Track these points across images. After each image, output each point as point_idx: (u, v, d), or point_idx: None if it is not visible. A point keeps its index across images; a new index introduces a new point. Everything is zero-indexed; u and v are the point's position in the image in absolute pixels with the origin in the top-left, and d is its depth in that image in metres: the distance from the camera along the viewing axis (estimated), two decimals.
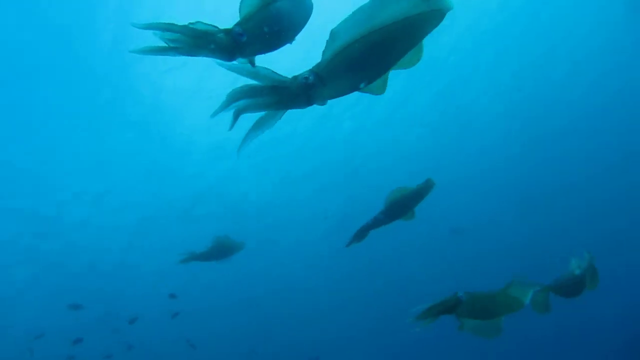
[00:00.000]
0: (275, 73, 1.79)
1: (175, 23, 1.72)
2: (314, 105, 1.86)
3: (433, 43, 13.82)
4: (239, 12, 1.87)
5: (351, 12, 1.76)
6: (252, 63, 1.92)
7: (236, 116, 1.77)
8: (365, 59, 1.74)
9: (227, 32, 1.81)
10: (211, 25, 1.81)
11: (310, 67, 1.79)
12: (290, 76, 1.80)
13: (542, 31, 15.82)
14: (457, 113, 17.83)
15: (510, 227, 21.04)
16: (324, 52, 1.76)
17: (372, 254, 19.63)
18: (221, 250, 7.21)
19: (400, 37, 1.74)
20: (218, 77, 13.91)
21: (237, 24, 1.85)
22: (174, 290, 14.13)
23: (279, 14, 1.89)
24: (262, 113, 1.82)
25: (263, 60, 1.79)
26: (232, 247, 7.24)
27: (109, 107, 14.65)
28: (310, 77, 1.74)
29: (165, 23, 1.70)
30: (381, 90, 1.98)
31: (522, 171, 20.35)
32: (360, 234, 4.44)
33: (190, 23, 1.76)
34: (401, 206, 4.33)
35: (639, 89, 17.95)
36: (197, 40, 1.75)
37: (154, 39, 1.73)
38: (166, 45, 1.72)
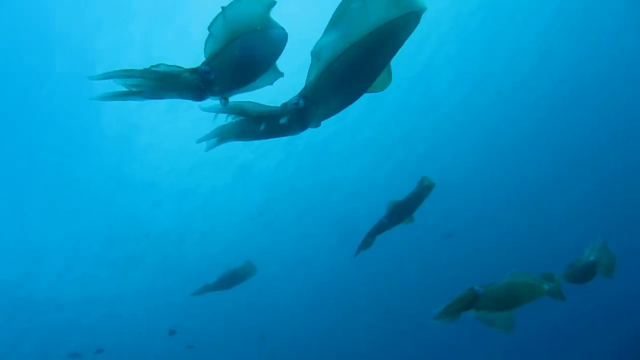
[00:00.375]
0: (262, 105, 1.72)
1: (134, 68, 1.61)
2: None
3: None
4: (204, 50, 1.76)
5: (325, 29, 1.71)
6: (226, 101, 1.81)
7: (221, 143, 1.71)
8: (350, 73, 1.70)
9: (193, 71, 1.71)
10: (175, 65, 1.70)
11: (298, 92, 1.73)
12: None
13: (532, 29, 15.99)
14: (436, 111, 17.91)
15: (504, 226, 21.03)
16: (308, 73, 1.71)
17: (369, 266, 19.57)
18: (234, 277, 7.00)
19: (380, 45, 1.69)
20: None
21: (204, 62, 1.75)
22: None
23: (246, 48, 1.79)
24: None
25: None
26: (244, 273, 7.04)
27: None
28: (301, 102, 1.70)
29: (123, 70, 1.59)
30: (386, 83, 1.91)
31: (512, 169, 20.45)
32: (367, 241, 4.37)
33: (152, 65, 1.65)
34: (404, 208, 4.29)
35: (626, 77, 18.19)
36: (161, 83, 1.65)
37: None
38: (128, 90, 1.61)
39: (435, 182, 4.33)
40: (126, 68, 1.60)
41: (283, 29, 1.93)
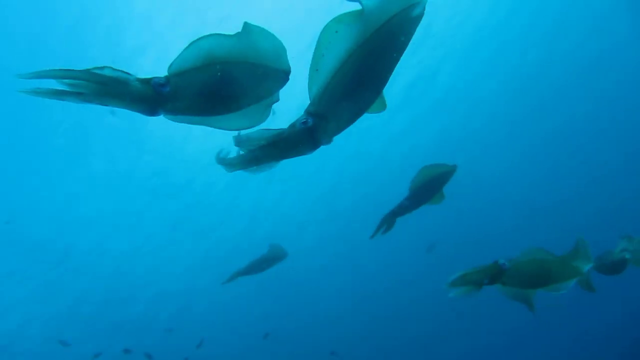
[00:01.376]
0: (268, 130, 1.65)
1: (74, 69, 1.42)
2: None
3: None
4: (174, 61, 1.58)
5: (320, 38, 1.59)
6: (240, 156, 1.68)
7: (235, 170, 1.65)
8: (359, 79, 1.61)
9: (144, 81, 1.54)
10: (122, 71, 1.51)
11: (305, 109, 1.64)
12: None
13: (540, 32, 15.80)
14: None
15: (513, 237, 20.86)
16: (309, 88, 1.60)
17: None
18: (264, 262, 6.95)
19: (386, 45, 1.61)
20: None
21: (167, 75, 1.57)
22: None
23: (226, 79, 1.62)
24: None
25: None
26: (274, 257, 6.97)
27: None
28: (309, 120, 1.61)
29: (60, 69, 1.40)
30: (381, 107, 1.85)
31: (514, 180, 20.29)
32: (386, 223, 4.19)
33: (97, 67, 1.46)
34: (427, 189, 4.13)
35: None
36: (104, 88, 1.46)
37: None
38: (66, 89, 1.42)
39: (456, 165, 4.18)
40: (63, 67, 1.41)
41: (285, 71, 1.76)
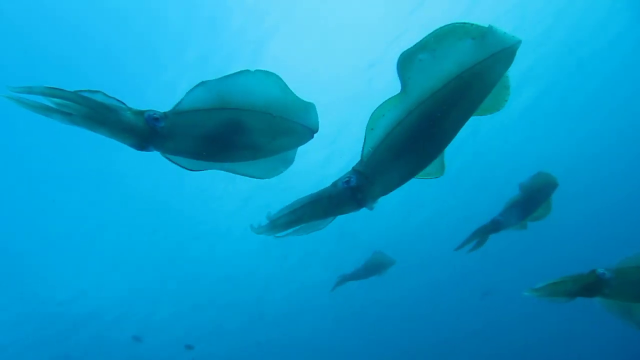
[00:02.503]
0: (310, 195, 1.56)
1: (64, 89, 1.36)
2: None
3: None
4: (181, 99, 1.49)
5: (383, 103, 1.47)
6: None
7: (275, 232, 1.56)
8: (415, 140, 1.49)
9: (137, 112, 1.46)
10: (115, 99, 1.44)
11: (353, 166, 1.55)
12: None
13: None
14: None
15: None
16: (363, 145, 1.51)
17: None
18: (373, 267, 7.01)
19: (457, 98, 1.48)
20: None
21: (166, 111, 1.49)
22: None
23: (237, 127, 1.53)
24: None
25: None
26: (383, 263, 7.01)
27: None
28: (352, 179, 1.52)
29: (50, 88, 1.34)
30: (439, 171, 1.70)
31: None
32: (477, 238, 3.89)
33: (88, 90, 1.39)
34: (523, 207, 3.86)
35: None
36: (94, 113, 1.39)
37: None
38: (53, 107, 1.36)
39: (558, 181, 3.87)
40: (54, 86, 1.36)
41: (312, 129, 1.66)
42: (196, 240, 16.13)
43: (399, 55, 1.44)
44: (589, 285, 2.32)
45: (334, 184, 1.55)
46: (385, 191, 1.57)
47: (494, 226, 3.86)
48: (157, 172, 12.93)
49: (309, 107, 1.65)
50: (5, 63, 10.21)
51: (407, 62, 1.43)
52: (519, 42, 1.49)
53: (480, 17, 10.66)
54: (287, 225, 1.54)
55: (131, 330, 16.45)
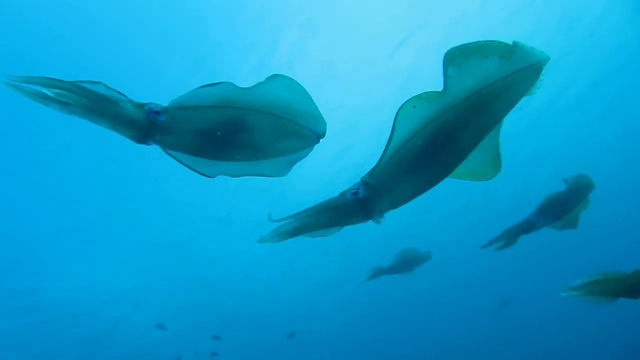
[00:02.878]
0: (318, 204, 1.53)
1: (63, 79, 1.34)
2: None
3: None
4: (182, 95, 1.48)
5: (398, 113, 1.43)
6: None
7: (281, 240, 1.52)
8: (429, 154, 1.45)
9: (138, 105, 1.44)
10: (116, 91, 1.41)
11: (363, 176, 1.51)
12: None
13: None
14: None
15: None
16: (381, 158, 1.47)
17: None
18: (407, 262, 6.94)
19: (476, 113, 1.43)
20: None
21: (167, 105, 1.47)
22: None
23: (240, 125, 1.51)
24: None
25: None
26: (418, 258, 6.97)
27: None
28: (360, 191, 1.48)
29: (48, 78, 1.32)
30: (493, 170, 1.60)
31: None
32: (507, 238, 3.74)
33: (89, 81, 1.37)
34: (558, 207, 3.74)
35: None
36: (94, 104, 1.37)
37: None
38: (52, 96, 1.34)
39: (595, 183, 3.76)
40: (53, 77, 1.33)
41: (318, 134, 1.65)
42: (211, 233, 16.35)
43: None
44: (634, 286, 2.26)
45: (342, 194, 1.52)
46: (394, 205, 1.53)
47: (528, 226, 3.73)
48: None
49: (318, 113, 1.64)
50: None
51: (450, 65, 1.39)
52: (547, 59, 1.45)
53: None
54: (291, 233, 1.50)
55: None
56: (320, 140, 1.69)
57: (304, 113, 1.61)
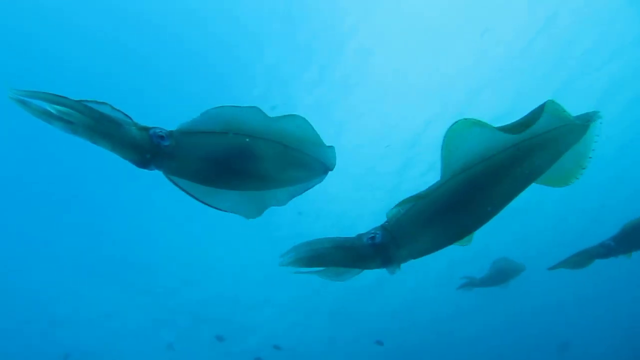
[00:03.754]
0: (335, 238, 1.47)
1: (68, 97, 1.30)
2: None
3: None
4: (189, 120, 1.42)
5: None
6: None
7: (302, 265, 1.46)
8: (456, 207, 1.36)
9: (142, 128, 1.39)
10: (121, 112, 1.37)
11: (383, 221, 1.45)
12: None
13: None
14: None
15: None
16: (401, 202, 1.40)
17: None
18: (502, 274, 6.78)
19: (510, 168, 1.35)
20: None
21: (173, 130, 1.41)
22: None
23: (246, 153, 1.45)
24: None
25: None
26: (512, 270, 6.80)
27: None
28: (378, 236, 1.41)
29: (54, 95, 1.29)
30: (466, 241, 1.51)
31: None
32: (579, 260, 3.50)
33: (94, 101, 1.32)
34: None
35: None
36: (96, 124, 1.32)
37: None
38: (55, 114, 1.30)
39: None
40: (58, 94, 1.30)
41: (327, 166, 1.61)
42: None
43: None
44: None
45: (359, 237, 1.44)
46: (412, 256, 1.44)
47: (605, 251, 3.42)
48: None
49: (328, 146, 1.60)
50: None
51: (462, 129, 1.32)
52: (587, 123, 1.39)
53: None
54: (307, 262, 1.42)
55: None
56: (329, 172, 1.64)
57: (313, 144, 1.56)
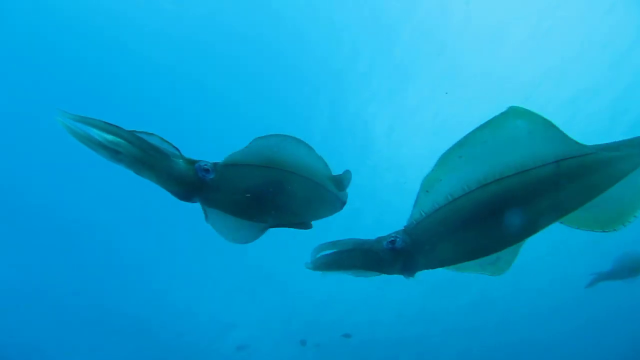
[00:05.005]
0: (357, 239, 1.45)
1: (121, 127, 1.30)
2: None
3: None
4: (234, 152, 1.46)
5: (443, 159, 1.27)
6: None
7: (326, 268, 1.44)
8: (482, 220, 1.27)
9: (189, 161, 1.41)
10: (170, 144, 1.38)
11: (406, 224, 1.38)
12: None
13: None
14: None
15: None
16: (415, 203, 1.33)
17: None
18: (630, 267, 6.42)
19: (548, 188, 1.23)
20: None
21: (216, 162, 1.45)
22: None
23: (280, 187, 1.50)
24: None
25: None
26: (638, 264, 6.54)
27: None
28: (398, 241, 1.35)
29: (107, 123, 1.28)
30: (499, 269, 1.42)
31: None
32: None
33: (145, 132, 1.33)
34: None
35: None
36: (145, 155, 1.32)
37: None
38: (103, 142, 1.29)
39: None
40: (111, 123, 1.29)
41: (343, 201, 1.69)
42: None
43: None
44: None
45: (379, 240, 1.41)
46: (430, 265, 1.39)
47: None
48: None
49: (346, 181, 1.69)
50: None
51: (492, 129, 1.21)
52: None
53: None
54: (328, 265, 1.42)
55: None
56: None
57: (333, 181, 1.64)
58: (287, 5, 10.10)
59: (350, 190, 1.73)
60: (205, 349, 15.44)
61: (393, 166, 12.95)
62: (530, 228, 1.28)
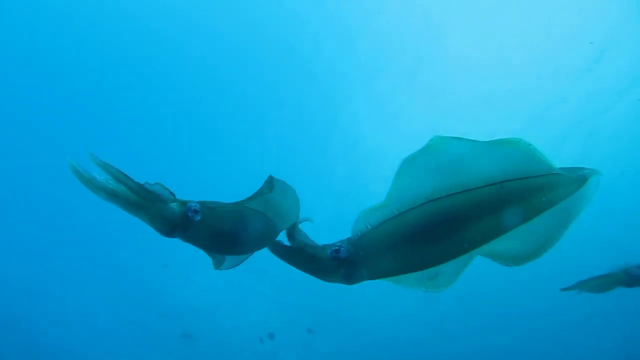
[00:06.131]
0: (308, 242, 1.51)
1: (131, 178, 1.47)
2: None
3: None
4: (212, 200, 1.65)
5: (400, 169, 1.32)
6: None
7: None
8: (424, 234, 1.31)
9: (182, 203, 1.55)
10: (169, 190, 1.56)
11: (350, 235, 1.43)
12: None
13: None
14: None
15: None
16: (358, 217, 1.39)
17: None
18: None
19: (492, 207, 1.27)
20: None
21: (201, 202, 1.59)
22: None
23: (242, 225, 1.65)
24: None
25: None
26: None
27: None
28: (342, 251, 1.39)
29: (122, 173, 1.45)
30: (443, 284, 1.42)
31: None
32: (597, 285, 3.33)
33: (148, 183, 1.51)
34: None
35: None
36: (144, 201, 1.47)
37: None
38: (106, 186, 1.42)
39: None
40: (124, 172, 1.47)
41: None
42: None
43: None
44: None
45: (323, 248, 1.44)
46: (372, 276, 1.41)
47: (628, 279, 3.24)
48: None
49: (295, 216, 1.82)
50: None
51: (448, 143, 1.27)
52: (582, 179, 1.26)
53: None
54: (281, 257, 1.54)
55: None
56: None
57: (288, 216, 1.79)
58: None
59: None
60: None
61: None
62: (469, 246, 1.32)
